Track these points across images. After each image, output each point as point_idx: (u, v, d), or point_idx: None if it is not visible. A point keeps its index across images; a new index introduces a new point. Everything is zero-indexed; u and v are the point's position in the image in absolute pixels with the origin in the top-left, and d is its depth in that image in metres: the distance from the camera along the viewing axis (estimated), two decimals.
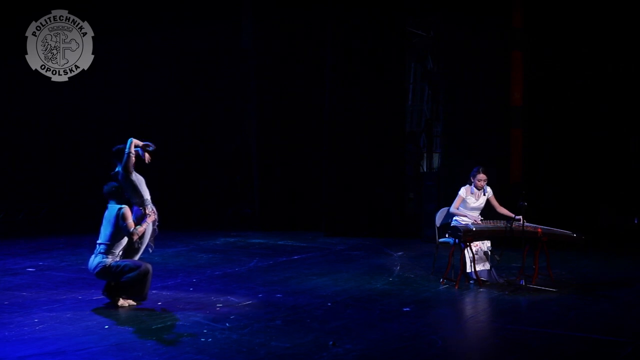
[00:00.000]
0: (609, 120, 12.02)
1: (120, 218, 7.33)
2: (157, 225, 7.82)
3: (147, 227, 7.56)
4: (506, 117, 12.06)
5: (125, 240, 7.46)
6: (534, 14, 12.02)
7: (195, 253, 11.03)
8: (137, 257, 7.63)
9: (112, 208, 7.43)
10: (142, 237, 7.54)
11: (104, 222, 7.46)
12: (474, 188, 8.80)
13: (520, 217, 8.35)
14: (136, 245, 7.56)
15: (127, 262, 7.40)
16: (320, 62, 13.61)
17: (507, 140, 12.08)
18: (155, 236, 7.80)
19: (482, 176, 8.76)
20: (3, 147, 14.79)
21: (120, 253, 7.50)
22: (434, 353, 5.97)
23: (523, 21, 12.03)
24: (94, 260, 7.40)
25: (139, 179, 7.70)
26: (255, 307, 7.46)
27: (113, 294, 7.47)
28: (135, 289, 7.32)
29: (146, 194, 7.71)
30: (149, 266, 7.40)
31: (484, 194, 8.84)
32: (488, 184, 9.00)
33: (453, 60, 12.46)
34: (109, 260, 7.35)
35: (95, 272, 7.40)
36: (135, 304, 7.43)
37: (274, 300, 7.79)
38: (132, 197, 7.67)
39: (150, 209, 7.65)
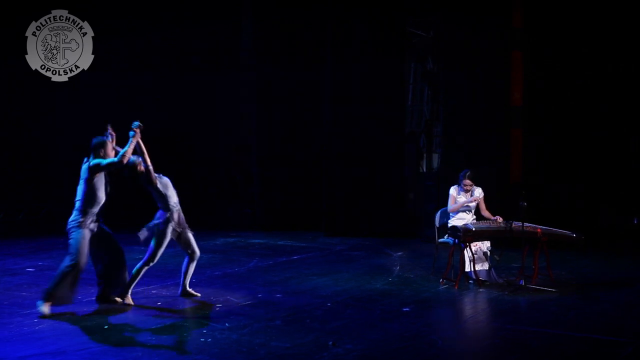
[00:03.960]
0: (609, 120, 12.04)
1: (93, 165, 7.13)
2: (185, 228, 7.76)
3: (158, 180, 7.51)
4: (506, 117, 12.08)
5: (101, 200, 7.25)
6: (534, 14, 12.03)
7: None
8: (165, 243, 7.58)
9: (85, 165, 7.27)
10: (162, 238, 7.53)
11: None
12: (461, 190, 8.85)
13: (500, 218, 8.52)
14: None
15: (72, 243, 7.13)
16: (320, 61, 13.62)
17: (507, 140, 12.10)
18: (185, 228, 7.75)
19: (467, 182, 8.85)
20: (3, 147, 14.77)
21: (96, 212, 7.26)
22: (434, 353, 5.97)
23: (523, 21, 12.05)
24: (71, 217, 7.25)
25: (163, 183, 7.65)
26: (255, 307, 7.46)
27: (107, 296, 7.47)
28: (60, 286, 7.08)
29: (172, 198, 7.67)
30: (82, 265, 7.14)
31: (474, 195, 8.86)
32: (488, 184, 9.01)
33: (453, 60, 12.47)
34: (81, 220, 7.15)
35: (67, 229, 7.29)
36: (132, 303, 7.43)
37: (274, 300, 7.79)
38: (157, 200, 7.65)
39: (176, 215, 7.62)
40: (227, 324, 6.72)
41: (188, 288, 7.95)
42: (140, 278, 7.66)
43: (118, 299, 7.49)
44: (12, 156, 14.96)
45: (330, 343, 6.09)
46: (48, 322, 6.77)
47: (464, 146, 12.10)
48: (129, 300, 7.51)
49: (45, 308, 7.00)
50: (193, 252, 7.86)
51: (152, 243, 7.58)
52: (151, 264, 7.62)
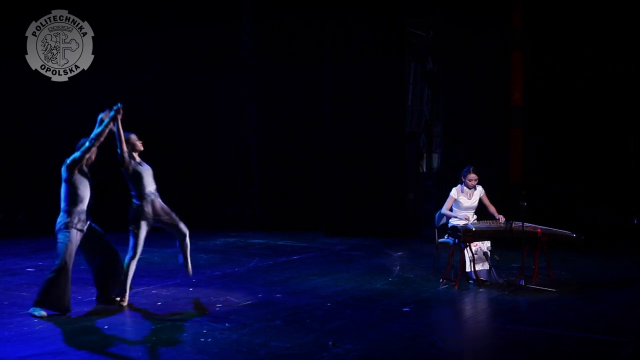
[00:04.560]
0: (609, 120, 12.04)
1: (70, 161, 7.09)
2: (165, 214, 7.63)
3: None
4: (506, 117, 12.08)
5: (85, 198, 7.17)
6: (534, 14, 12.04)
7: (195, 253, 10.90)
8: (143, 232, 7.48)
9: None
10: (137, 231, 7.44)
11: None
12: (465, 187, 8.82)
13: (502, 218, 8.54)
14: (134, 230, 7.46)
15: (59, 246, 7.09)
16: (320, 61, 13.62)
17: (507, 140, 12.10)
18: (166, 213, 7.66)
19: (472, 176, 8.78)
20: (3, 147, 14.77)
21: (83, 211, 7.17)
22: (434, 353, 5.97)
23: (523, 21, 12.06)
24: (58, 219, 7.22)
25: (140, 170, 7.49)
26: (255, 307, 7.46)
27: (107, 296, 7.46)
28: (53, 294, 7.00)
29: (148, 187, 7.52)
30: (69, 267, 7.05)
31: (477, 193, 8.85)
32: (488, 184, 9.00)
33: (453, 60, 12.48)
34: (67, 220, 7.10)
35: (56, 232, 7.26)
36: (126, 302, 7.42)
37: (274, 300, 7.79)
38: (131, 187, 7.50)
39: (149, 205, 7.48)
40: (227, 324, 6.72)
41: (190, 265, 7.91)
42: (136, 275, 7.63)
43: (117, 299, 7.48)
44: (12, 156, 14.95)
45: (330, 343, 6.09)
46: (48, 322, 6.77)
47: (464, 146, 12.10)
48: (126, 300, 7.48)
49: (41, 312, 6.98)
50: (179, 231, 7.76)
51: (131, 237, 7.50)
52: (137, 257, 7.52)
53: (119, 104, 7.35)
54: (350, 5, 13.24)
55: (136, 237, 7.50)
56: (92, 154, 7.31)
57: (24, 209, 15.09)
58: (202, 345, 6.08)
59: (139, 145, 7.61)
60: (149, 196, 7.55)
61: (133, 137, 7.58)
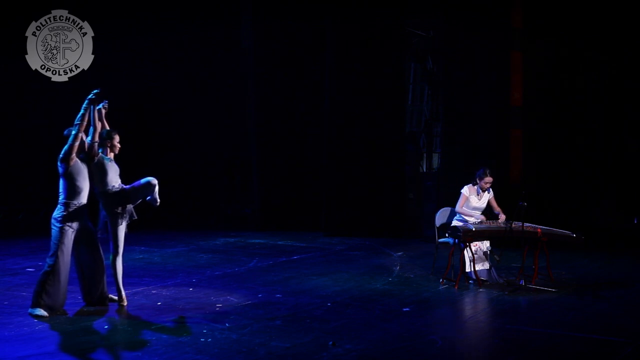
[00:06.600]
0: (609, 120, 12.04)
1: (62, 155, 7.08)
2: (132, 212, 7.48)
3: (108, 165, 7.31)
4: (506, 117, 12.09)
5: (83, 190, 7.15)
6: (533, 14, 12.05)
7: (194, 253, 11.02)
8: (121, 229, 7.36)
9: None
10: (124, 205, 7.33)
11: None
12: (479, 189, 8.83)
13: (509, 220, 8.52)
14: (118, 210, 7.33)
15: (52, 244, 7.17)
16: (320, 62, 13.63)
17: (507, 140, 12.10)
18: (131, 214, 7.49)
19: (489, 179, 8.82)
20: (3, 147, 14.78)
21: (80, 204, 7.16)
22: (433, 353, 5.97)
23: (523, 21, 12.06)
24: (54, 212, 7.24)
25: (107, 166, 7.35)
26: (255, 307, 7.46)
27: (90, 301, 7.41)
28: (46, 293, 6.99)
29: (112, 182, 7.34)
30: (61, 265, 7.06)
31: (487, 194, 8.88)
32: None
33: (453, 60, 12.49)
34: (64, 214, 7.14)
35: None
36: (124, 303, 7.40)
37: (274, 300, 7.79)
38: (94, 183, 7.33)
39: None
40: (227, 324, 6.72)
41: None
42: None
43: (114, 297, 7.46)
44: (11, 156, 14.96)
45: (330, 343, 6.09)
46: (47, 323, 6.77)
47: (464, 146, 12.11)
48: (124, 299, 7.46)
49: (41, 312, 6.96)
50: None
51: (110, 234, 7.39)
52: (120, 252, 7.39)
53: (97, 89, 7.33)
54: (350, 5, 13.25)
55: (115, 233, 7.37)
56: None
57: (23, 209, 15.09)
58: (202, 345, 6.08)
59: (117, 148, 7.52)
60: (112, 191, 7.37)
61: (116, 137, 7.51)
